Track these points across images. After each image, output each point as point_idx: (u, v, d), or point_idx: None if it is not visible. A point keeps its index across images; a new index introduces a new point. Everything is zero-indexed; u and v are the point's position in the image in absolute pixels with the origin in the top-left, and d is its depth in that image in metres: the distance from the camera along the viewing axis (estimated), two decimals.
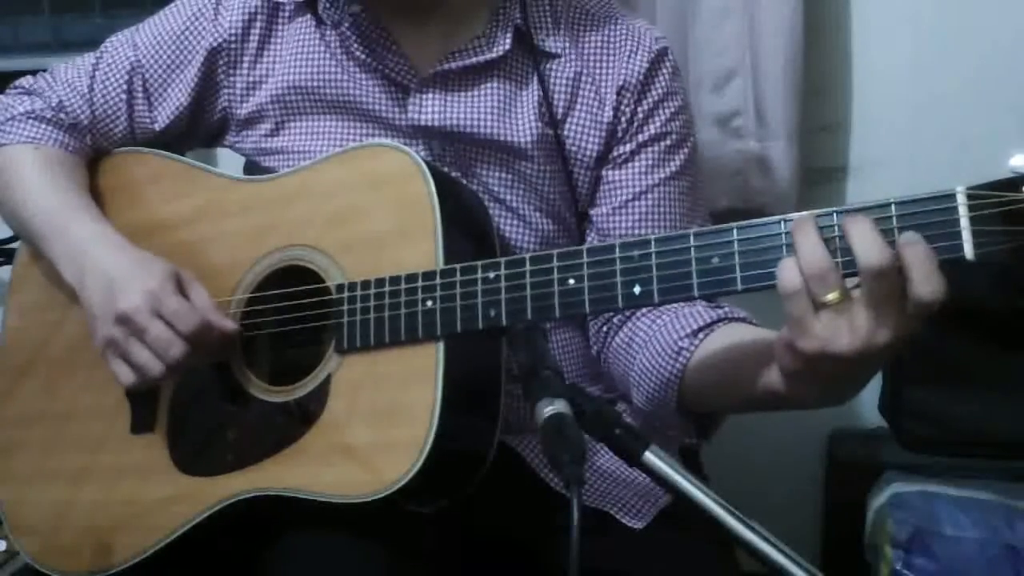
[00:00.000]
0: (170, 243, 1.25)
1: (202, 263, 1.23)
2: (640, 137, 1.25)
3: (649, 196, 1.24)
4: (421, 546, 1.12)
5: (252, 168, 1.32)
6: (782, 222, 0.91)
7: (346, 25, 1.25)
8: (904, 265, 0.84)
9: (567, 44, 1.25)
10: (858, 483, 1.81)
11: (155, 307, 1.14)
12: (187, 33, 1.31)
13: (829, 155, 1.91)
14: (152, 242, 1.25)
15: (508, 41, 1.23)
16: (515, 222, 1.25)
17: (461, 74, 1.24)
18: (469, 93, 1.24)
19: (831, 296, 0.86)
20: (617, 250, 0.98)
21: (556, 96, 1.24)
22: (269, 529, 1.14)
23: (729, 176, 1.85)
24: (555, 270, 1.01)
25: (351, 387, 1.11)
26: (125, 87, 1.33)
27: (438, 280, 1.07)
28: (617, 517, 1.22)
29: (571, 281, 1.00)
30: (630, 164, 1.25)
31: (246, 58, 1.30)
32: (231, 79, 1.31)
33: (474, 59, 1.23)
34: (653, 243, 0.97)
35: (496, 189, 1.25)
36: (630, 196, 1.24)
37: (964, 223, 0.85)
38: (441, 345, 1.06)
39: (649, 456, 0.87)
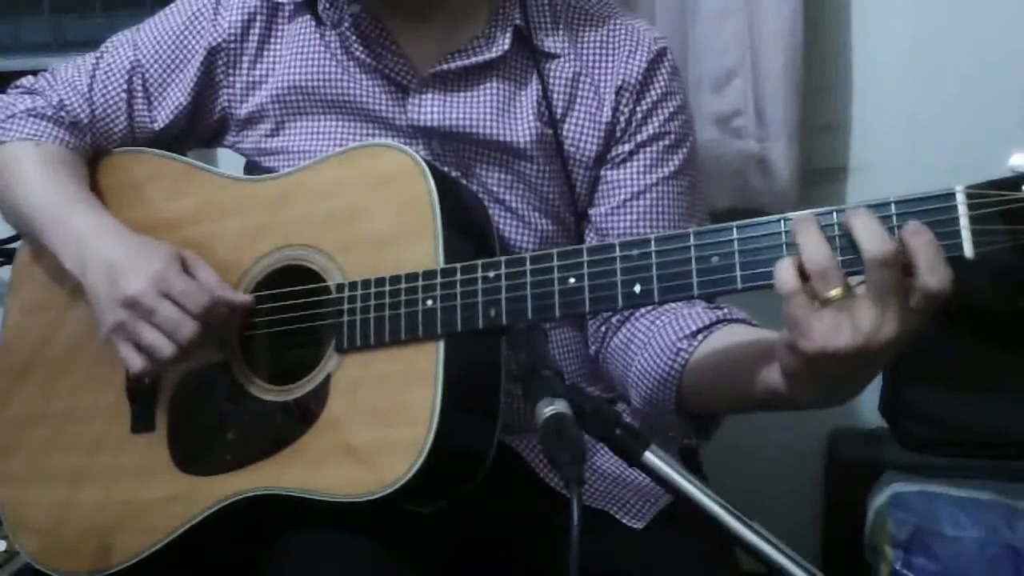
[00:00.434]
0: (170, 242, 1.25)
1: None
2: (639, 137, 1.25)
3: (648, 195, 1.24)
4: (421, 546, 1.12)
5: (252, 168, 1.32)
6: (782, 221, 0.91)
7: (346, 25, 1.25)
8: (909, 254, 0.84)
9: (566, 44, 1.25)
10: (858, 483, 1.81)
11: (162, 288, 1.14)
12: (187, 33, 1.32)
13: (829, 155, 1.91)
14: None
15: (507, 41, 1.23)
16: (514, 222, 1.25)
17: (460, 74, 1.24)
18: (468, 93, 1.24)
19: (834, 292, 0.86)
20: (617, 249, 0.98)
21: (555, 96, 1.24)
22: (269, 529, 1.14)
23: (729, 176, 1.85)
24: (555, 269, 1.01)
25: (351, 387, 1.11)
26: (125, 87, 1.33)
27: (438, 279, 1.07)
28: (617, 517, 1.22)
29: (571, 280, 1.00)
30: (629, 163, 1.25)
31: (246, 58, 1.30)
32: (231, 79, 1.31)
33: (473, 59, 1.23)
34: (653, 242, 0.97)
35: (495, 189, 1.25)
36: (629, 195, 1.24)
37: (964, 222, 0.85)
38: (441, 345, 1.06)
39: (649, 456, 0.87)
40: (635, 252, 0.97)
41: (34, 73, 1.39)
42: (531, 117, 1.23)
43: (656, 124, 1.25)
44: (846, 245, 0.87)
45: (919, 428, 1.81)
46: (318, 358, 1.14)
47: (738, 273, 0.92)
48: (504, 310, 1.03)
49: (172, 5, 1.35)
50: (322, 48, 1.27)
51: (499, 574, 1.24)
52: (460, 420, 1.07)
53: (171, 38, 1.32)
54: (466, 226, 1.15)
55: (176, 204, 1.29)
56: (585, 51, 1.25)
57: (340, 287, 1.13)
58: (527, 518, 1.21)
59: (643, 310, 1.19)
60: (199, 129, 1.35)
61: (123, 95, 1.33)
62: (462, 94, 1.24)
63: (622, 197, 1.24)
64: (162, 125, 1.34)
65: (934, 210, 0.86)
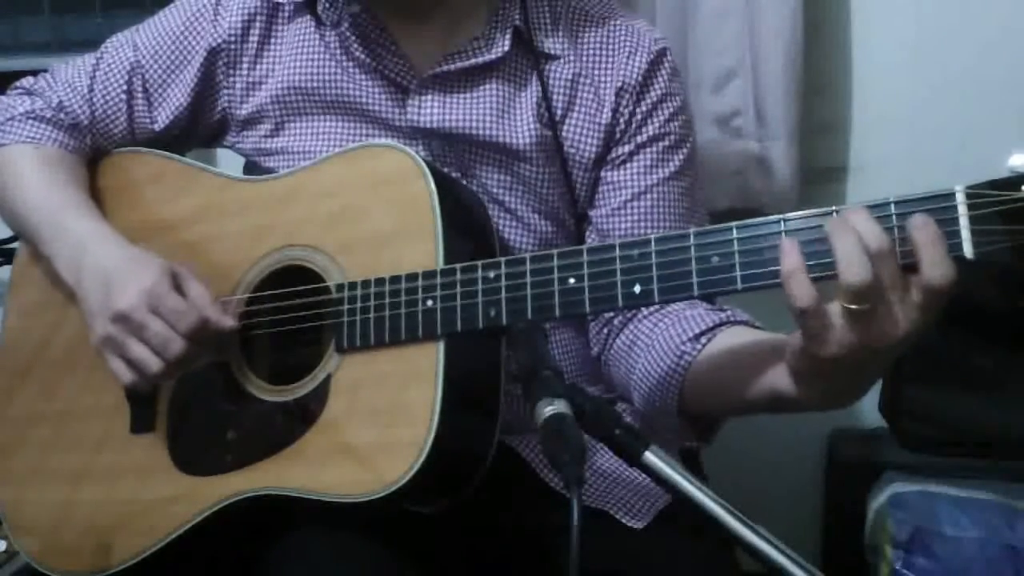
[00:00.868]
0: (170, 243, 1.25)
1: (202, 263, 1.22)
2: (639, 138, 1.25)
3: (648, 196, 1.24)
4: (421, 546, 1.11)
5: (252, 168, 1.32)
6: (782, 221, 0.91)
7: (345, 26, 1.25)
8: (914, 249, 0.84)
9: (566, 45, 1.25)
10: (858, 483, 1.81)
11: (153, 305, 1.13)
12: (187, 33, 1.32)
13: (829, 155, 1.91)
14: (152, 242, 1.25)
15: (507, 42, 1.23)
16: (514, 223, 1.25)
17: (460, 75, 1.24)
18: (468, 94, 1.24)
19: (866, 306, 0.85)
20: (617, 249, 0.98)
21: (555, 97, 1.24)
22: (269, 529, 1.14)
23: (729, 176, 1.85)
24: (555, 269, 1.01)
25: (351, 387, 1.11)
26: (125, 87, 1.33)
27: (438, 279, 1.07)
28: (617, 517, 1.22)
29: (571, 280, 1.00)
30: (629, 164, 1.25)
31: (245, 58, 1.30)
32: (231, 79, 1.31)
33: (473, 60, 1.23)
34: (653, 242, 0.97)
35: (495, 190, 1.25)
36: (629, 196, 1.24)
37: (963, 222, 0.85)
38: (441, 345, 1.06)
39: (649, 456, 0.87)
40: (635, 252, 0.97)
41: (34, 73, 1.39)
42: (531, 118, 1.23)
43: (656, 125, 1.25)
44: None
45: (919, 428, 1.81)
46: (318, 358, 1.14)
47: (738, 273, 0.92)
48: (504, 310, 1.03)
49: (172, 5, 1.35)
50: (322, 48, 1.27)
51: (499, 574, 1.24)
52: (460, 420, 1.07)
53: (171, 39, 1.32)
54: (466, 226, 1.15)
55: (176, 204, 1.29)
56: (585, 52, 1.25)
57: (340, 287, 1.13)
58: (527, 518, 1.21)
59: (646, 312, 1.19)
60: (199, 129, 1.35)
61: (123, 96, 1.33)
62: (462, 95, 1.24)
63: (623, 198, 1.24)
64: (162, 125, 1.34)
65: (934, 210, 0.85)
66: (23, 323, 1.35)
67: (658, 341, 1.15)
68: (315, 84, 1.27)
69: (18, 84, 1.39)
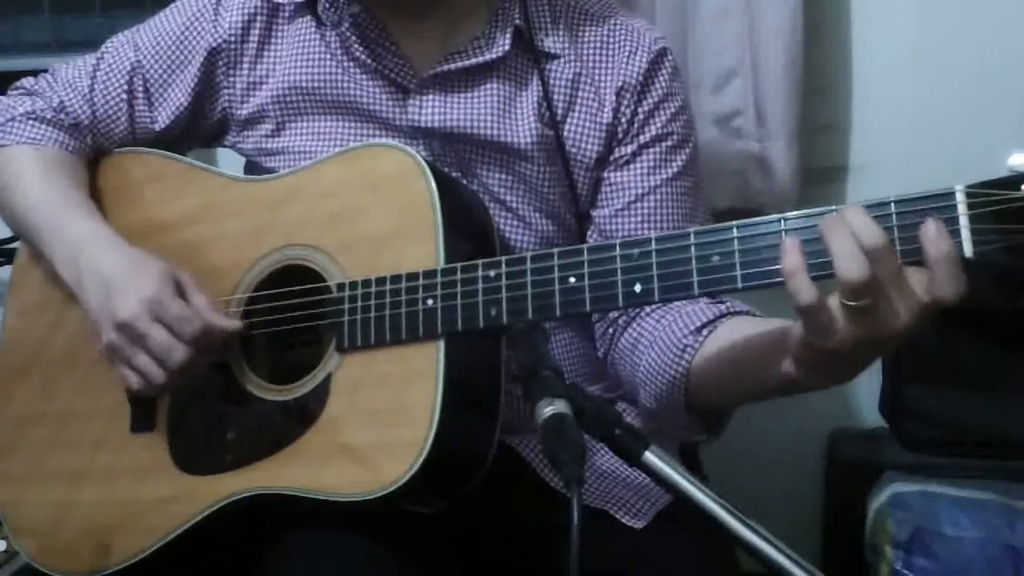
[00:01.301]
0: (170, 243, 1.26)
1: (202, 263, 1.23)
2: (641, 138, 1.25)
3: (651, 197, 1.24)
4: (421, 546, 1.12)
5: (253, 168, 1.33)
6: (782, 221, 0.91)
7: (346, 26, 1.25)
8: (926, 261, 0.84)
9: (566, 44, 1.25)
10: (858, 483, 1.81)
11: (156, 313, 1.13)
12: (187, 33, 1.32)
13: (829, 155, 1.91)
14: (152, 242, 1.25)
15: (507, 42, 1.23)
16: (515, 223, 1.25)
17: (461, 75, 1.24)
18: (469, 94, 1.24)
19: (866, 301, 0.85)
20: (617, 248, 0.98)
21: (556, 97, 1.24)
22: (269, 529, 1.14)
23: (729, 176, 1.85)
24: (556, 268, 1.01)
25: (351, 386, 1.11)
26: (126, 87, 1.33)
27: (439, 279, 1.07)
28: (617, 517, 1.22)
29: (572, 280, 1.00)
30: (632, 166, 1.25)
31: (246, 59, 1.30)
32: (231, 79, 1.31)
33: (474, 60, 1.23)
34: (653, 241, 0.97)
35: (496, 190, 1.25)
36: (633, 198, 1.24)
37: (963, 222, 0.85)
38: (441, 344, 1.06)
39: (649, 456, 0.87)
40: (635, 251, 0.97)
41: (34, 73, 1.39)
42: (532, 118, 1.23)
43: (658, 125, 1.25)
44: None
45: (919, 428, 1.81)
46: (318, 358, 1.14)
47: (738, 272, 0.92)
48: (505, 310, 1.03)
49: (172, 6, 1.35)
50: (322, 48, 1.27)
51: (499, 574, 1.24)
52: (460, 420, 1.07)
53: (172, 39, 1.32)
54: (466, 226, 1.15)
55: (176, 204, 1.29)
56: (585, 51, 1.25)
57: (341, 287, 1.13)
58: (527, 518, 1.21)
59: (648, 309, 1.19)
60: (200, 129, 1.36)
61: (124, 96, 1.33)
62: (462, 95, 1.24)
63: (626, 199, 1.24)
64: (163, 126, 1.34)
65: (933, 210, 0.86)
66: (23, 323, 1.36)
67: (660, 337, 1.15)
68: (316, 84, 1.27)
69: (18, 84, 1.39)
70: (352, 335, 1.11)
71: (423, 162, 1.12)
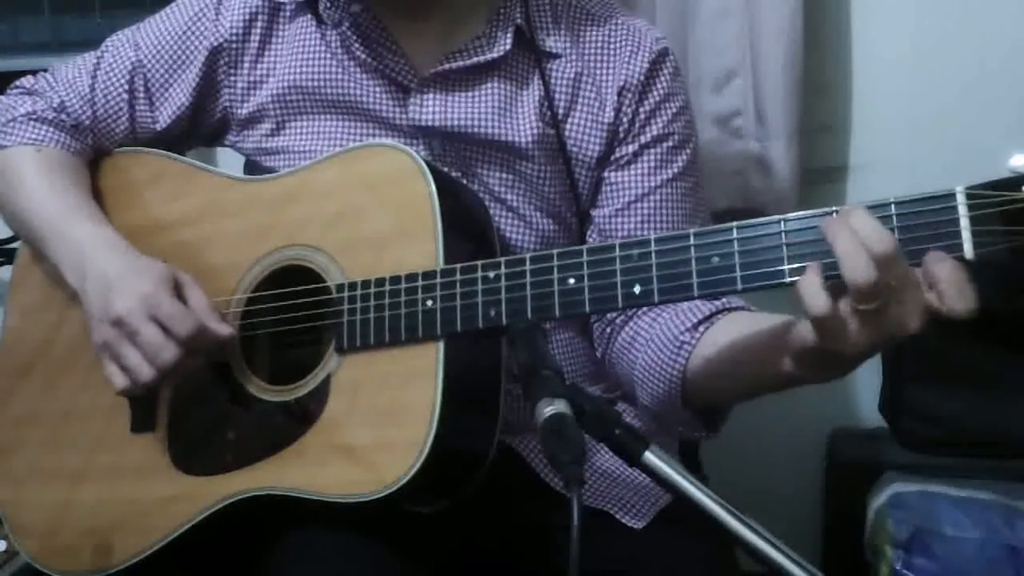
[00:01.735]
0: (170, 243, 1.25)
1: (202, 263, 1.23)
2: (642, 139, 1.25)
3: (652, 198, 1.24)
4: (421, 546, 1.12)
5: (253, 168, 1.32)
6: (782, 222, 0.91)
7: (346, 25, 1.25)
8: (934, 283, 0.84)
9: (567, 44, 1.25)
10: (858, 483, 1.81)
11: (150, 310, 1.13)
12: (188, 33, 1.31)
13: (829, 155, 1.91)
14: (152, 242, 1.25)
15: (508, 41, 1.23)
16: (515, 222, 1.25)
17: (461, 74, 1.24)
18: (469, 93, 1.24)
19: (875, 305, 0.85)
20: (617, 249, 0.98)
21: (557, 96, 1.24)
22: (269, 529, 1.14)
23: (729, 176, 1.85)
24: (555, 269, 1.01)
25: (351, 387, 1.11)
26: (127, 87, 1.33)
27: (438, 280, 1.07)
28: (617, 517, 1.22)
29: (571, 281, 1.00)
30: (633, 166, 1.25)
31: (247, 58, 1.30)
32: (232, 79, 1.31)
33: (474, 59, 1.23)
34: (653, 243, 0.97)
35: (497, 189, 1.25)
36: (633, 198, 1.24)
37: (964, 223, 0.85)
38: (441, 345, 1.06)
39: (649, 456, 0.87)
40: (635, 252, 0.97)
41: (34, 73, 1.39)
42: (533, 117, 1.23)
43: (659, 125, 1.25)
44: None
45: (919, 428, 1.81)
46: (318, 358, 1.14)
47: (738, 274, 0.92)
48: (504, 310, 1.03)
49: (173, 5, 1.35)
50: (323, 48, 1.27)
51: (499, 574, 1.24)
52: (460, 420, 1.07)
53: (173, 38, 1.32)
54: (466, 226, 1.15)
55: (177, 204, 1.29)
56: (586, 51, 1.25)
57: (340, 287, 1.13)
58: (527, 518, 1.21)
59: (645, 308, 1.19)
60: (200, 129, 1.35)
61: (125, 95, 1.33)
62: (463, 94, 1.24)
63: (627, 199, 1.24)
64: (164, 125, 1.34)
65: (934, 211, 0.86)
66: (23, 323, 1.36)
67: (657, 334, 1.15)
68: (316, 83, 1.27)
69: (18, 84, 1.39)
70: (352, 336, 1.11)
71: (422, 162, 1.12)
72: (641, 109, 1.24)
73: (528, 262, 1.03)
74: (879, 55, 1.87)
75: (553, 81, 1.24)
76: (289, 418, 1.14)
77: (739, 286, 0.92)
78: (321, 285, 1.15)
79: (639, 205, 1.24)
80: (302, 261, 1.17)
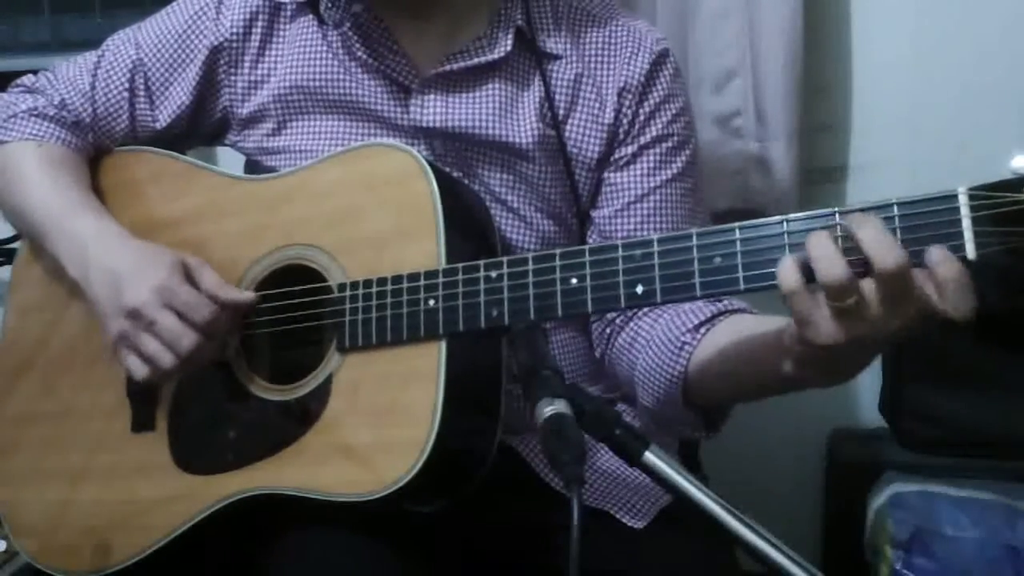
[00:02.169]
0: (171, 242, 1.25)
1: None
2: (642, 139, 1.25)
3: (651, 198, 1.24)
4: (421, 546, 1.12)
5: (253, 167, 1.32)
6: (784, 222, 0.91)
7: (348, 25, 1.25)
8: (936, 284, 0.84)
9: (568, 45, 1.25)
10: (858, 483, 1.81)
11: (165, 299, 1.14)
12: (189, 32, 1.31)
13: (829, 155, 1.91)
14: (153, 241, 1.25)
15: (509, 42, 1.23)
16: (516, 223, 1.25)
17: (462, 75, 1.24)
18: (470, 94, 1.24)
19: (849, 302, 0.85)
20: (619, 249, 0.98)
21: (557, 97, 1.24)
22: (269, 529, 1.14)
23: (729, 176, 1.85)
24: (557, 269, 1.01)
25: (352, 386, 1.11)
26: (127, 85, 1.33)
27: (440, 279, 1.07)
28: (617, 517, 1.22)
29: (573, 280, 1.00)
30: (632, 166, 1.25)
31: (247, 57, 1.30)
32: (232, 78, 1.31)
33: (476, 60, 1.23)
34: (655, 243, 0.97)
35: (497, 190, 1.25)
36: (633, 198, 1.24)
37: (966, 223, 0.85)
38: (443, 345, 1.06)
39: (649, 456, 0.87)
40: (638, 252, 0.97)
41: (34, 73, 1.39)
42: (533, 118, 1.23)
43: (659, 126, 1.25)
44: (850, 246, 0.87)
45: (919, 428, 1.81)
46: (319, 358, 1.14)
47: (740, 274, 0.92)
48: (506, 310, 1.03)
49: (174, 4, 1.35)
50: (324, 48, 1.27)
51: (499, 574, 1.24)
52: (461, 420, 1.07)
53: (173, 37, 1.32)
54: (468, 226, 1.15)
55: (177, 203, 1.29)
56: (587, 52, 1.25)
57: (342, 287, 1.13)
58: (527, 518, 1.21)
59: (645, 308, 1.19)
60: (201, 128, 1.35)
61: (125, 94, 1.33)
62: (464, 95, 1.24)
63: (626, 200, 1.24)
64: (164, 124, 1.34)
65: (936, 211, 0.86)
66: (23, 322, 1.35)
67: (658, 335, 1.15)
68: (317, 83, 1.27)
69: (19, 82, 1.39)
70: (353, 335, 1.11)
71: (424, 162, 1.12)
72: (641, 110, 1.24)
73: (531, 262, 1.03)
74: (879, 55, 1.87)
75: (553, 82, 1.24)
76: (290, 418, 1.14)
77: (741, 286, 0.93)
78: (322, 284, 1.15)
79: (638, 206, 1.24)
80: (303, 260, 1.17)
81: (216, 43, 1.30)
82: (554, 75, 1.24)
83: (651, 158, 1.24)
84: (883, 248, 0.84)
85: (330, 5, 1.26)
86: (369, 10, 1.24)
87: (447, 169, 1.20)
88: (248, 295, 1.18)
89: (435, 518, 1.10)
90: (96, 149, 1.35)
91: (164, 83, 1.33)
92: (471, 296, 1.05)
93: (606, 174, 1.25)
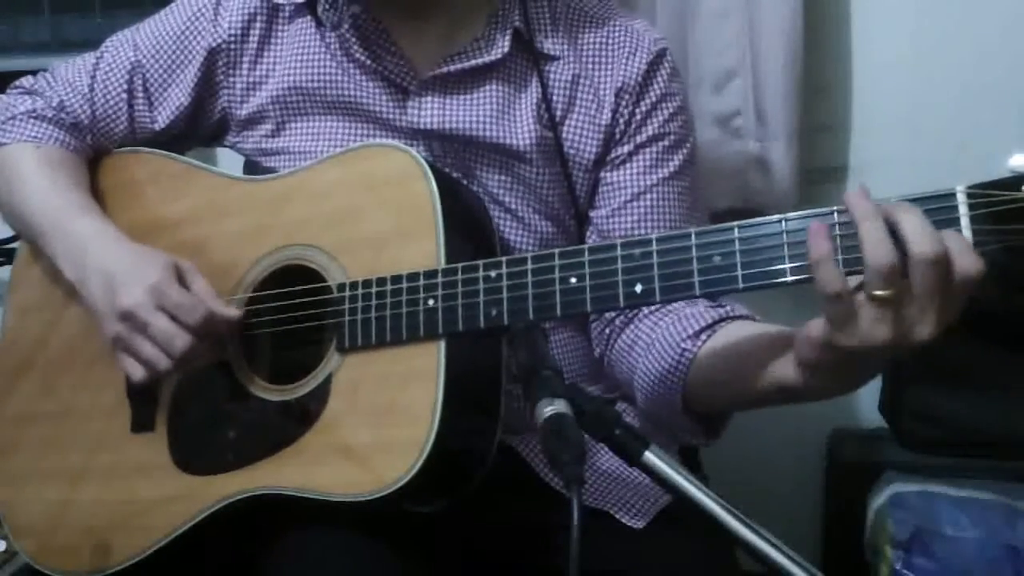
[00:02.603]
0: (170, 243, 1.25)
1: (202, 263, 1.22)
2: (639, 138, 1.25)
3: (648, 196, 1.24)
4: (421, 546, 1.11)
5: (252, 168, 1.32)
6: (783, 221, 0.91)
7: (346, 26, 1.24)
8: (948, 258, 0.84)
9: (566, 46, 1.25)
10: (858, 483, 1.81)
11: (158, 301, 1.14)
12: (187, 33, 1.32)
13: (829, 155, 1.91)
14: (152, 242, 1.25)
15: (507, 43, 1.22)
16: (514, 224, 1.25)
17: (460, 76, 1.24)
18: (468, 96, 1.24)
19: (890, 292, 0.85)
20: (618, 249, 0.98)
21: (555, 98, 1.24)
22: (269, 529, 1.14)
23: (729, 176, 1.85)
24: (556, 269, 1.01)
25: (352, 386, 1.11)
26: (125, 87, 1.33)
27: (440, 279, 1.07)
28: (617, 517, 1.22)
29: (573, 280, 1.00)
30: (628, 165, 1.25)
31: (245, 59, 1.30)
32: (230, 80, 1.31)
33: (473, 62, 1.23)
34: (655, 242, 0.97)
35: (495, 191, 1.24)
36: (629, 197, 1.24)
37: (964, 222, 0.85)
38: (442, 344, 1.06)
39: (649, 456, 0.87)
40: (637, 251, 0.97)
41: (34, 73, 1.39)
42: (531, 119, 1.23)
43: (656, 125, 1.24)
44: (851, 245, 0.87)
45: (919, 428, 1.81)
46: (319, 358, 1.14)
47: (739, 273, 0.92)
48: (506, 310, 1.03)
49: (172, 5, 1.35)
50: (322, 49, 1.27)
51: (499, 574, 1.24)
52: (461, 420, 1.07)
53: (171, 38, 1.32)
54: (467, 226, 1.15)
55: (176, 204, 1.29)
56: (585, 53, 1.25)
57: (341, 287, 1.13)
58: (527, 518, 1.21)
59: (646, 311, 1.19)
60: (199, 129, 1.36)
61: (123, 95, 1.33)
62: (462, 96, 1.24)
63: (623, 199, 1.24)
64: (163, 125, 1.34)
65: (935, 210, 0.86)
66: (23, 322, 1.36)
67: (658, 340, 1.14)
68: (315, 85, 1.27)
69: (17, 83, 1.39)
70: (353, 335, 1.11)
71: (424, 162, 1.12)
72: (638, 109, 1.24)
73: (530, 261, 1.03)
74: (879, 55, 1.87)
75: (551, 83, 1.24)
76: (290, 418, 1.14)
77: (740, 285, 0.92)
78: (322, 284, 1.15)
79: (635, 204, 1.24)
80: (303, 261, 1.17)
81: (214, 44, 1.30)
82: (551, 76, 1.24)
83: (648, 156, 1.24)
84: (926, 236, 0.83)
85: (328, 7, 1.26)
86: (367, 11, 1.24)
87: (446, 170, 1.20)
88: (233, 312, 1.17)
89: (435, 518, 1.10)
90: (95, 150, 1.36)
91: (162, 84, 1.33)
92: (470, 296, 1.05)
93: (603, 173, 1.25)
